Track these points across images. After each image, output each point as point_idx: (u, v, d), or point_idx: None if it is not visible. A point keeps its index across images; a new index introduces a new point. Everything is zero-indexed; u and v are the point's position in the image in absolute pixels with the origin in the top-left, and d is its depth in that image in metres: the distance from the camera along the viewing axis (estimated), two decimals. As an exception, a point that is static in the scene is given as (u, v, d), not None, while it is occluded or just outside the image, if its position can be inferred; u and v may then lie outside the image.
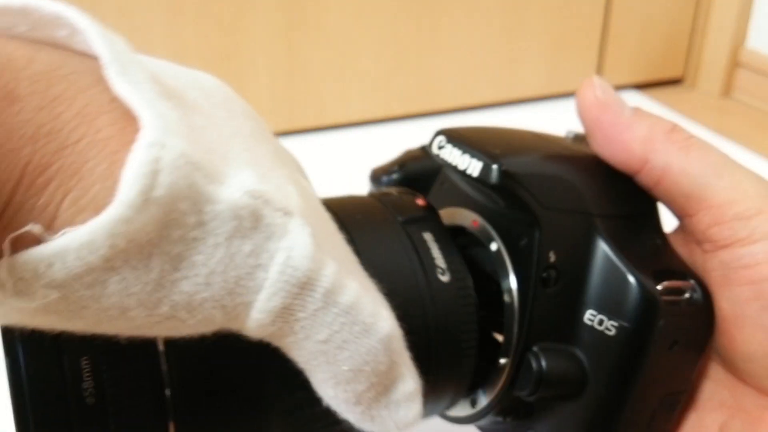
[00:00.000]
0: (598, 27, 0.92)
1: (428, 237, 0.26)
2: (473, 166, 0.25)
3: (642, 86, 0.98)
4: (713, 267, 0.25)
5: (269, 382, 0.22)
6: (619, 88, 0.97)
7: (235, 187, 0.17)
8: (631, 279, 0.24)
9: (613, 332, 0.24)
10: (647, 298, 0.24)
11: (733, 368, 0.26)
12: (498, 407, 0.26)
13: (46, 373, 0.19)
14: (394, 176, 0.32)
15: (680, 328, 0.25)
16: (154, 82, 0.17)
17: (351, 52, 0.82)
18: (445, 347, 0.25)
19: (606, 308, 0.25)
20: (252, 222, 0.17)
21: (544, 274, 0.25)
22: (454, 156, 0.26)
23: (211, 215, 0.17)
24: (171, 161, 0.16)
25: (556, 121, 0.44)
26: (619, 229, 0.26)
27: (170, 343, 0.20)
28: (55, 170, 0.16)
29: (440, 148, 0.26)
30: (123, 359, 0.20)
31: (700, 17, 0.95)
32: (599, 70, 0.94)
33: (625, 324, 0.24)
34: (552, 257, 0.25)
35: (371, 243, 0.25)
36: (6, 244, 0.16)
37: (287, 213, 0.18)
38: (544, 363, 0.25)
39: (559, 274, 0.25)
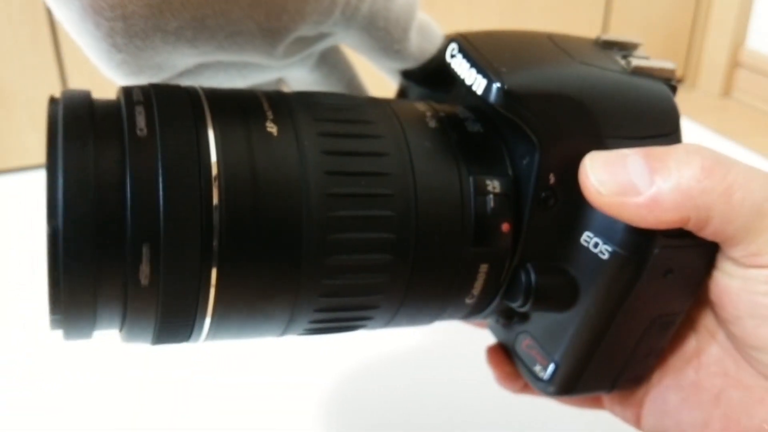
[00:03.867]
0: (598, 27, 0.92)
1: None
2: (478, 83, 0.24)
3: (642, 86, 0.98)
4: (729, 270, 0.25)
5: (306, 231, 0.22)
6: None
7: None
8: None
9: (606, 256, 0.24)
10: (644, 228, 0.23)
11: (737, 345, 0.26)
12: (495, 310, 0.27)
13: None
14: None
15: (677, 258, 0.24)
16: None
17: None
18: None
19: (602, 232, 0.24)
20: None
21: (543, 194, 0.24)
22: (463, 69, 0.25)
23: None
24: None
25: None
26: None
27: (224, 194, 0.20)
28: None
29: (452, 57, 0.25)
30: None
31: (700, 17, 0.95)
32: (599, 70, 0.94)
33: (620, 251, 0.24)
34: (552, 179, 0.24)
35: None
36: None
37: None
38: (534, 278, 0.25)
39: (558, 196, 0.24)
